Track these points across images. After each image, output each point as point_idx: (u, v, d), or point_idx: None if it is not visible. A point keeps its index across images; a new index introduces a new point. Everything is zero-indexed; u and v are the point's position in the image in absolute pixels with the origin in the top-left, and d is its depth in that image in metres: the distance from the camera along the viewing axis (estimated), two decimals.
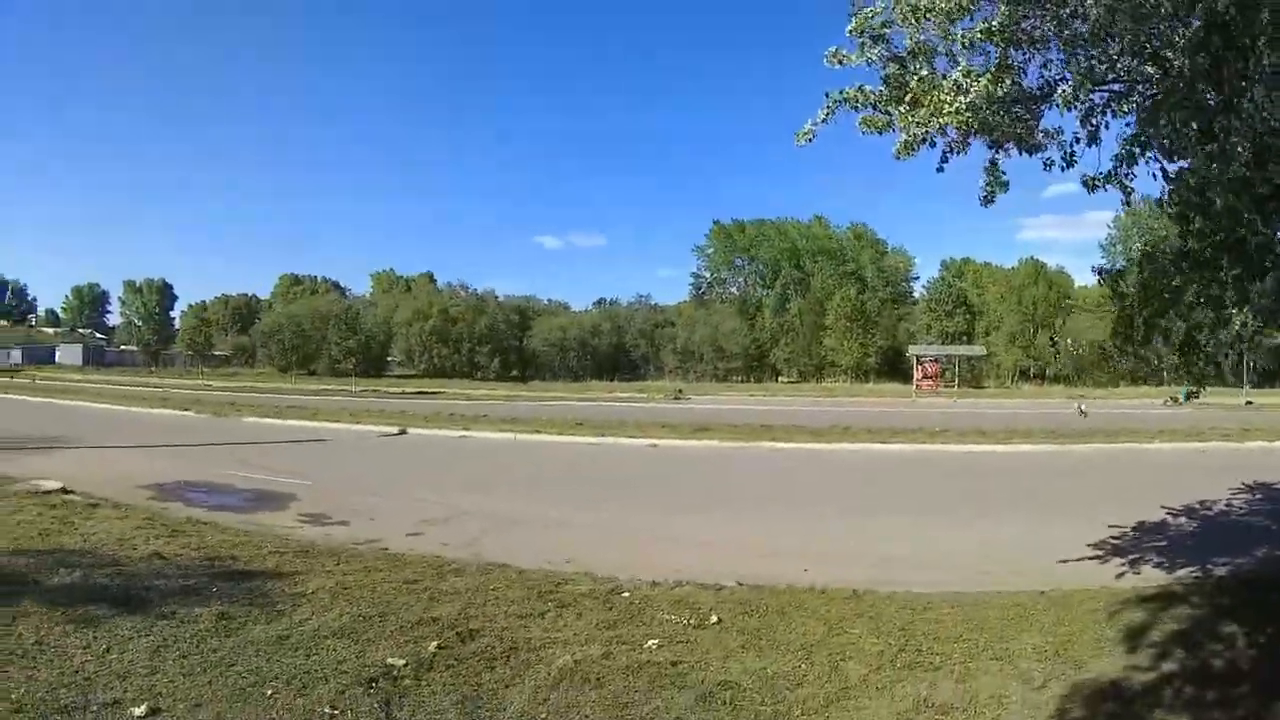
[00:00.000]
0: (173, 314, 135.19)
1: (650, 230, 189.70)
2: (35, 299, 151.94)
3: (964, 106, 5.71)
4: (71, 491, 13.63)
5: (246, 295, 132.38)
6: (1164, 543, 11.51)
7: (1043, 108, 6.30)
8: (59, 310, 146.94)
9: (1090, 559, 10.63)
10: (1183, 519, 13.02)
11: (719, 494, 17.36)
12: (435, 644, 6.64)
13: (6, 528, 10.40)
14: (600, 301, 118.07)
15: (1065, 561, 10.35)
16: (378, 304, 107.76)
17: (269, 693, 5.48)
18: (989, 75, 5.77)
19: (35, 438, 24.75)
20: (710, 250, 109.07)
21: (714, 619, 7.78)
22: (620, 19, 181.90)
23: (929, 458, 22.90)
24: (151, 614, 6.95)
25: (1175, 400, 45.20)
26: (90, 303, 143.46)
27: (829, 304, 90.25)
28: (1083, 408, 38.38)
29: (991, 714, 5.68)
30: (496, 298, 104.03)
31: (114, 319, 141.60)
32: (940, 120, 5.86)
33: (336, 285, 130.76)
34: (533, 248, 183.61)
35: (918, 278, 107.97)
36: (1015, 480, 18.65)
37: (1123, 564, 10.31)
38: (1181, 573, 9.69)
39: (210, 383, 69.43)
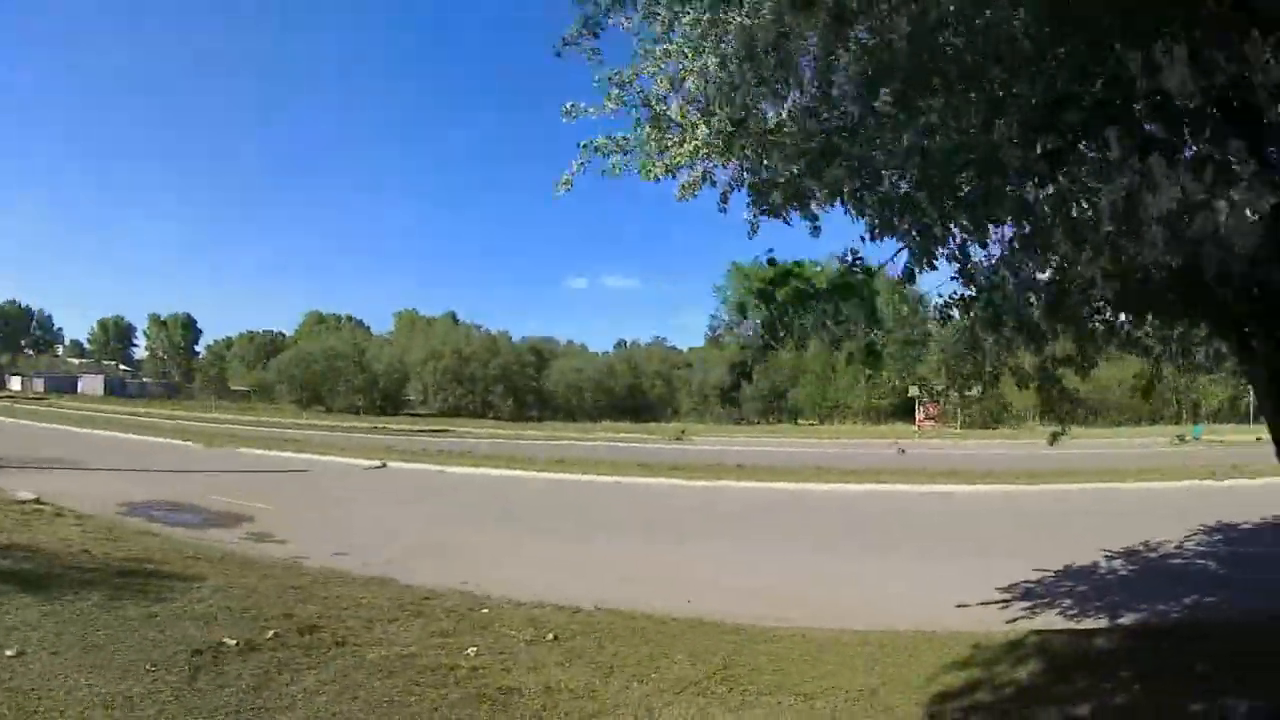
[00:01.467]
0: (198, 348, 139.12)
1: (683, 272, 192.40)
2: (61, 330, 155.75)
3: (701, 143, 5.94)
4: (44, 503, 15.36)
5: (272, 332, 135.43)
6: (1084, 588, 11.48)
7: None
8: (85, 342, 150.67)
9: (994, 602, 10.72)
10: (1118, 562, 12.97)
11: (649, 526, 18.66)
12: (273, 633, 8.10)
13: None
14: (620, 343, 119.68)
15: (964, 606, 10.48)
16: (394, 343, 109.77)
17: (113, 650, 7.08)
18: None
19: (36, 459, 26.79)
20: (728, 291, 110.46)
21: (550, 636, 8.87)
22: None
23: (877, 496, 23.26)
24: (51, 593, 8.59)
25: (1182, 439, 45.06)
26: (116, 335, 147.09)
27: (844, 345, 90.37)
28: (902, 448, 38.25)
29: None
30: (510, 338, 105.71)
31: (140, 352, 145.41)
32: (684, 156, 6.09)
33: (360, 324, 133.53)
34: (562, 290, 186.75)
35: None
36: (953, 522, 18.96)
37: (1025, 608, 10.35)
38: (1088, 621, 9.79)
39: (222, 416, 71.46)
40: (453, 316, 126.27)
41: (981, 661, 7.98)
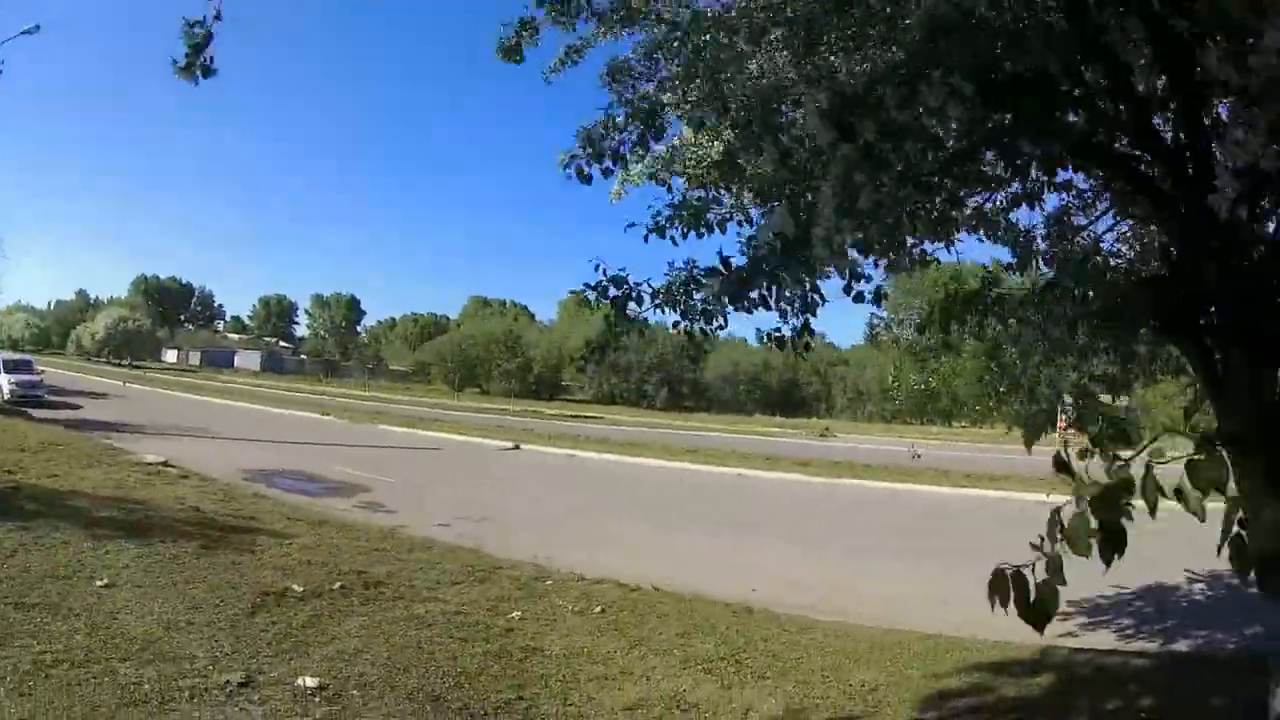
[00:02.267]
0: (360, 329, 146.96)
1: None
2: (222, 306, 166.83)
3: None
4: (171, 466, 17.37)
5: (435, 315, 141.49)
6: (1150, 609, 11.38)
7: None
8: (246, 319, 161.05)
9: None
10: (1200, 584, 12.66)
11: (750, 519, 19.13)
12: (340, 584, 9.37)
13: (98, 482, 13.98)
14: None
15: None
16: (555, 329, 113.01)
17: (190, 587, 8.44)
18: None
19: (175, 427, 29.72)
20: (890, 290, 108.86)
21: (598, 609, 9.72)
22: None
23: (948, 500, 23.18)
24: (151, 539, 10.12)
25: None
26: (278, 313, 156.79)
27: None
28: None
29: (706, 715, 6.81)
30: (667, 329, 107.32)
31: (301, 330, 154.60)
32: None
33: (525, 309, 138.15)
34: None
35: None
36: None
37: (1083, 624, 10.41)
38: (1139, 643, 9.78)
39: (374, 394, 75.50)
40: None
41: (1002, 671, 8.24)
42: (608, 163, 5.85)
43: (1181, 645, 9.77)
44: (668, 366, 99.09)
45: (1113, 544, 2.05)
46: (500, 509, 17.71)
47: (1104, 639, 9.82)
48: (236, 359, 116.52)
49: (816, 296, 5.01)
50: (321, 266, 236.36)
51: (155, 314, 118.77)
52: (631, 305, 5.03)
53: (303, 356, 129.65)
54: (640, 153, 6.16)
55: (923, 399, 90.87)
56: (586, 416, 66.13)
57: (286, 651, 7.05)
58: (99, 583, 8.17)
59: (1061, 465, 2.11)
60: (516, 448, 32.43)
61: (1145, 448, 2.04)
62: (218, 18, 4.20)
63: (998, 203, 6.06)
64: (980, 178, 5.21)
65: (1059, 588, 2.18)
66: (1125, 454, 2.03)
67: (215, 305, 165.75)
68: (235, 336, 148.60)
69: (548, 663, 7.65)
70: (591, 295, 4.70)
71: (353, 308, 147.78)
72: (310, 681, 6.33)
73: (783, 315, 5.20)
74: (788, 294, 4.86)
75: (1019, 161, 4.61)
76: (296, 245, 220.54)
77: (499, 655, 7.67)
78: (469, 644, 7.88)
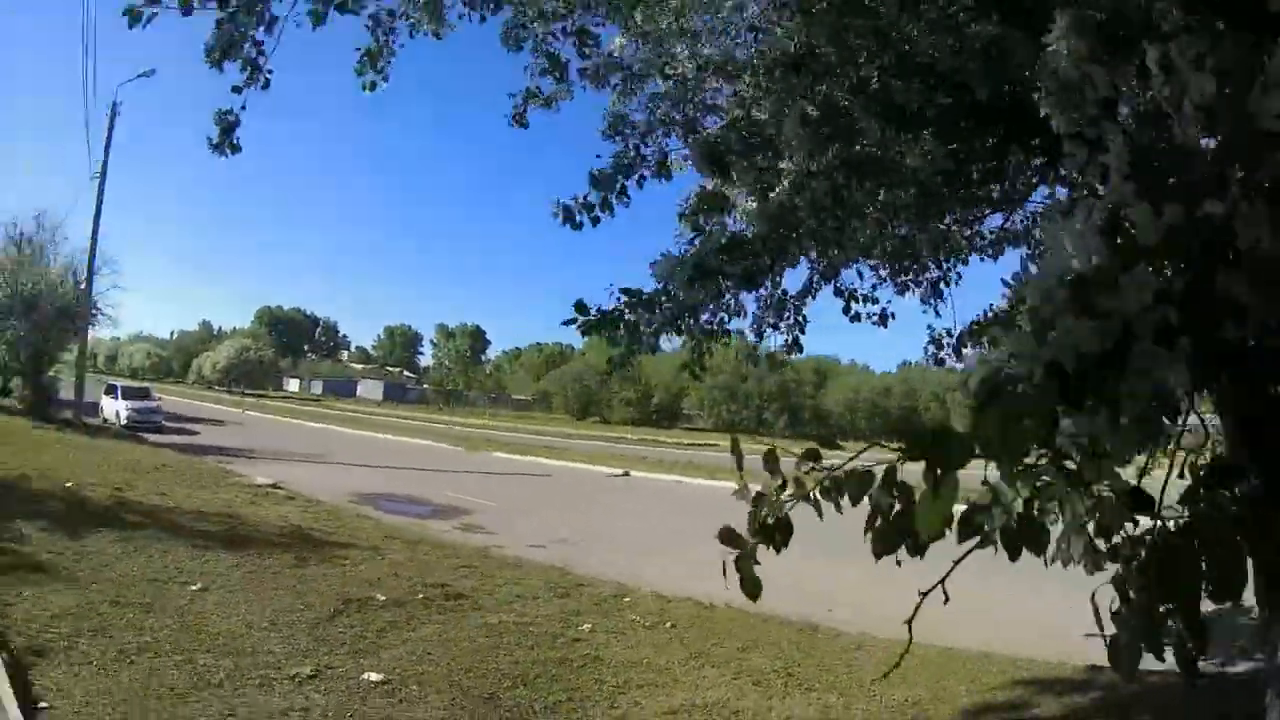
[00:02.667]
0: (484, 358, 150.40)
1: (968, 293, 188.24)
2: (346, 335, 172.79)
3: None
4: (279, 488, 18.44)
5: (561, 345, 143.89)
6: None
7: None
8: (370, 348, 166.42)
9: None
10: None
11: (826, 542, 19.23)
12: (421, 595, 10.05)
13: (204, 500, 15.06)
14: (904, 364, 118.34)
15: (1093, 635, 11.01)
16: (676, 358, 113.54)
17: (278, 593, 9.23)
18: None
19: (293, 453, 31.19)
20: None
21: (668, 624, 10.20)
22: None
23: None
24: (248, 551, 11.00)
25: None
26: (402, 343, 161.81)
27: None
28: None
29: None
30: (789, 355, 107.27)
31: (426, 359, 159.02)
32: None
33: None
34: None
35: None
36: None
37: None
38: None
39: (495, 422, 77.19)
40: (740, 334, 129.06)
41: (1047, 689, 8.41)
42: (597, 211, 6.21)
43: (1240, 668, 9.38)
44: (790, 393, 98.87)
45: (771, 536, 2.36)
46: (597, 532, 18.23)
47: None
48: (359, 388, 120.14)
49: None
50: (450, 298, 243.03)
51: (278, 344, 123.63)
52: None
53: (425, 386, 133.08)
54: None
55: None
56: (703, 445, 66.35)
57: (359, 651, 7.72)
58: (193, 587, 9.02)
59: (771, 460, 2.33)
60: (626, 474, 32.95)
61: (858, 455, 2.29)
62: (243, 108, 5.07)
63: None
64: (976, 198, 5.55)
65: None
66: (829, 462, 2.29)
67: (339, 335, 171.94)
68: (359, 366, 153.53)
69: (604, 670, 8.12)
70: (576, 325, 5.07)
71: (478, 337, 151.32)
72: (374, 676, 6.95)
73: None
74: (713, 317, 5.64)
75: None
76: (423, 275, 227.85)
77: (560, 662, 8.17)
78: (534, 651, 8.41)
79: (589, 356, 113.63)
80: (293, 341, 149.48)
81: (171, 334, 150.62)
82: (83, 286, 33.06)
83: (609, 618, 10.23)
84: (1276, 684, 3.93)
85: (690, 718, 7.10)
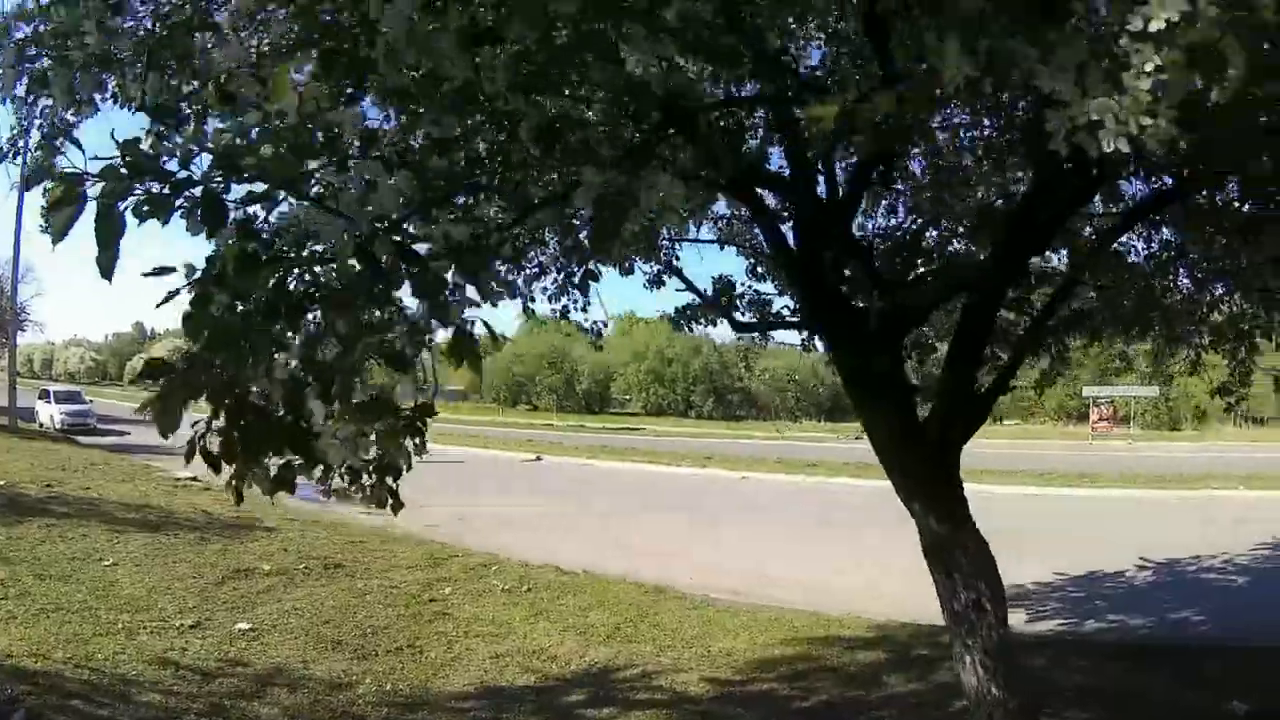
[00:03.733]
0: None
1: None
2: None
3: None
4: (198, 480, 19.76)
5: (494, 334, 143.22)
6: (1081, 593, 12.13)
7: None
8: None
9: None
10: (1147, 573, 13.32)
11: (703, 510, 20.98)
12: (303, 566, 11.69)
13: (126, 492, 16.58)
14: None
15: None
16: (605, 345, 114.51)
17: (180, 565, 10.87)
18: None
19: None
20: None
21: (526, 588, 11.53)
22: None
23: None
24: (159, 532, 12.59)
25: None
26: None
27: None
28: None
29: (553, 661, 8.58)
30: (714, 341, 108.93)
31: None
32: None
33: (580, 326, 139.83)
34: None
35: None
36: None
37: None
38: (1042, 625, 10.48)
39: None
40: (664, 319, 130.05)
41: (853, 645, 9.37)
42: None
43: (1042, 628, 10.46)
44: (715, 377, 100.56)
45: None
46: (495, 512, 19.69)
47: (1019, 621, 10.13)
48: None
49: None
50: None
51: None
52: None
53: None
54: None
55: None
56: (628, 429, 67.50)
57: (236, 609, 9.36)
58: (106, 562, 10.60)
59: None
60: (538, 459, 34.38)
61: None
62: None
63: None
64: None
65: None
66: None
67: None
68: None
69: (450, 624, 9.67)
70: None
71: None
72: (244, 626, 8.62)
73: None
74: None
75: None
76: None
77: (412, 617, 9.79)
78: (391, 609, 10.04)
79: (518, 345, 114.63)
80: None
81: (106, 337, 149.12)
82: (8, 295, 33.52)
83: (472, 583, 11.71)
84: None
85: (512, 660, 8.53)
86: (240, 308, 2.51)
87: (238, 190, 2.53)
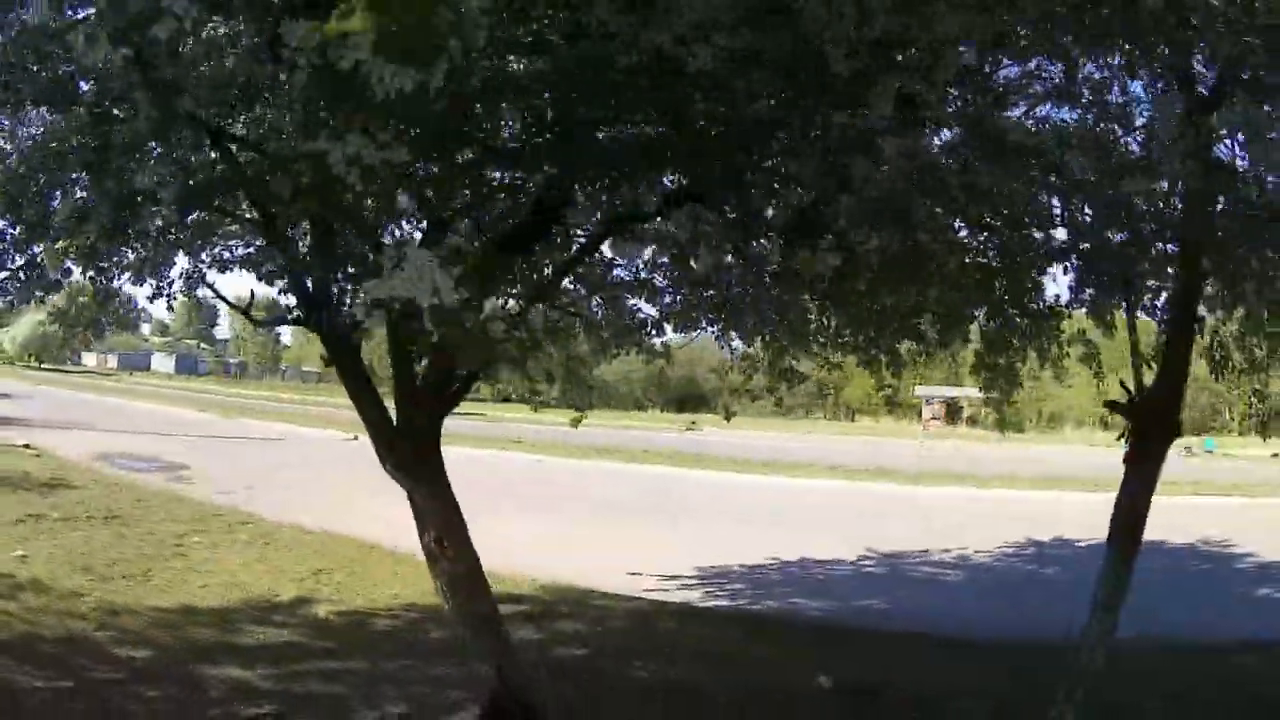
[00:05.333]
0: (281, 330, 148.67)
1: None
2: (146, 310, 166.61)
3: None
4: (31, 448, 22.00)
5: None
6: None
7: None
8: (168, 322, 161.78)
9: (670, 577, 13.10)
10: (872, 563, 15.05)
11: (504, 497, 22.69)
12: (88, 515, 14.32)
13: None
14: (688, 343, 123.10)
15: (636, 574, 12.81)
16: None
17: None
18: None
19: (60, 420, 33.34)
20: None
21: (263, 542, 13.46)
22: None
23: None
24: None
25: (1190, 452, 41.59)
26: (199, 318, 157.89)
27: None
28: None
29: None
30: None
31: (224, 333, 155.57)
32: None
33: None
34: None
35: None
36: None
37: (684, 584, 12.79)
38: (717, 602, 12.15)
39: (274, 394, 78.29)
40: None
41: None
42: None
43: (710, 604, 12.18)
44: (576, 367, 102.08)
45: None
46: (286, 482, 21.17)
47: (694, 597, 12.34)
48: (153, 362, 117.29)
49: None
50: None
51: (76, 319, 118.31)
52: None
53: (219, 358, 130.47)
54: None
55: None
56: (470, 414, 68.26)
57: (19, 543, 12.03)
58: None
59: None
60: (355, 438, 36.01)
61: None
62: None
63: None
64: None
65: None
66: None
67: (138, 308, 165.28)
68: (159, 340, 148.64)
69: (181, 562, 11.79)
70: None
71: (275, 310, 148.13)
72: (19, 552, 11.36)
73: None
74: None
75: None
76: None
77: (153, 556, 12.04)
78: (142, 549, 12.42)
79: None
80: (90, 316, 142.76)
81: None
82: None
83: (221, 536, 13.54)
84: None
85: (215, 590, 10.57)
86: None
87: None
